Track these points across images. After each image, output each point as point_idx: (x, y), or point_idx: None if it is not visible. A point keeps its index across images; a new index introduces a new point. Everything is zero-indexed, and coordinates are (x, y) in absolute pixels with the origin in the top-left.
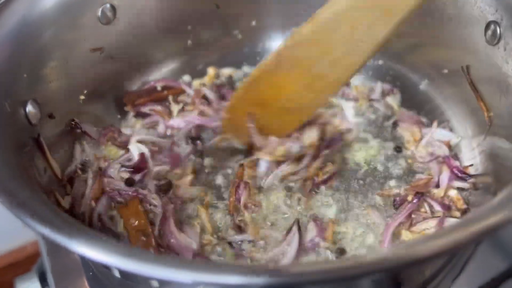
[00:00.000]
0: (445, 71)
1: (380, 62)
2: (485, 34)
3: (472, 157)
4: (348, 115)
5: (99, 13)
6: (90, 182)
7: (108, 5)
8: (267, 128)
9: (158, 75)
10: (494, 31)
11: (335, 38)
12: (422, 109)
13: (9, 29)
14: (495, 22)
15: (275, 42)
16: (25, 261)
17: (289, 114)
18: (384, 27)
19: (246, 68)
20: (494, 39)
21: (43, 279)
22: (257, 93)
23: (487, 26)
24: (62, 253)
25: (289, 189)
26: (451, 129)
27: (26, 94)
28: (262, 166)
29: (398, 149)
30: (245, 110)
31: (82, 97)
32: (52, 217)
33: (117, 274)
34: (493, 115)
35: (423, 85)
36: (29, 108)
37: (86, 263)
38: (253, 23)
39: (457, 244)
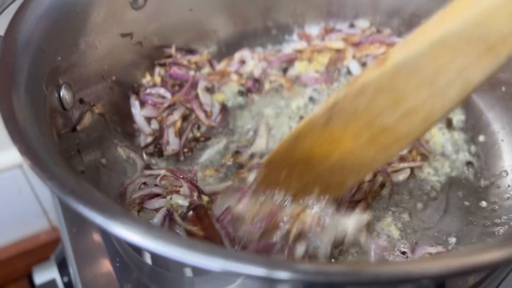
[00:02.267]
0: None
1: None
2: None
3: None
4: None
5: None
6: None
7: None
8: (311, 187)
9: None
10: None
11: (411, 85)
12: None
13: (46, 9)
14: None
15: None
16: (39, 249)
17: (342, 172)
18: (482, 69)
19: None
20: None
21: (62, 267)
22: (303, 149)
23: None
24: (85, 240)
25: None
26: None
27: (61, 77)
28: None
29: None
30: (286, 167)
31: (111, 84)
32: (100, 203)
33: (149, 261)
34: None
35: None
36: (63, 92)
37: (114, 250)
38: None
39: None
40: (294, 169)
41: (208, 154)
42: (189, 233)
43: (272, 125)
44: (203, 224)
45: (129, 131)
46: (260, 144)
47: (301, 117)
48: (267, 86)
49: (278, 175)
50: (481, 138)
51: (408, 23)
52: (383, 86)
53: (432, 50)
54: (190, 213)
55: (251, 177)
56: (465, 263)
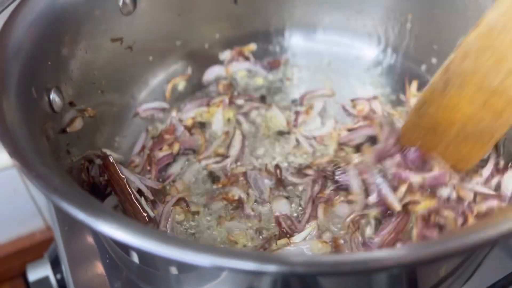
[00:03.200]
0: None
1: None
2: None
3: None
4: None
5: (120, 4)
6: None
7: None
8: (445, 158)
9: (179, 67)
10: None
11: (508, 40)
12: None
13: (36, 16)
14: None
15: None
16: (34, 248)
17: (467, 140)
18: None
19: None
20: None
21: (55, 265)
22: (429, 117)
23: None
24: (77, 238)
25: None
26: None
27: (50, 81)
28: None
29: None
30: (419, 137)
31: (101, 87)
32: (83, 200)
33: (136, 260)
34: None
35: None
36: (53, 95)
37: (103, 249)
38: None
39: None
40: (425, 138)
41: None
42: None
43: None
44: (110, 172)
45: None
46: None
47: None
48: None
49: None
50: None
51: None
52: (482, 45)
53: None
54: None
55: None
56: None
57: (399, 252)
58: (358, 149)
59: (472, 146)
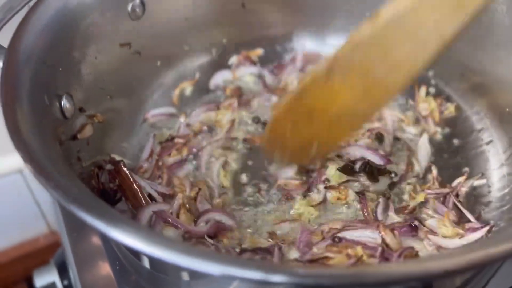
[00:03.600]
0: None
1: None
2: None
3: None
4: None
5: (129, 9)
6: None
7: (137, 1)
8: (312, 141)
9: (187, 72)
10: None
11: (397, 39)
12: None
13: (47, 22)
14: None
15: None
16: (38, 253)
17: (340, 123)
18: (453, 23)
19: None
20: None
21: (62, 271)
22: (306, 103)
23: None
24: (85, 243)
25: None
26: None
27: (62, 87)
28: None
29: None
30: (291, 121)
31: (110, 92)
32: (102, 210)
33: (147, 265)
34: None
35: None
36: (64, 102)
37: (113, 254)
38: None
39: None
40: (298, 124)
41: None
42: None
43: None
44: (121, 177)
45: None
46: None
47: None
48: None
49: (282, 131)
50: None
51: None
52: (375, 40)
53: (414, 7)
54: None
55: None
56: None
57: (411, 266)
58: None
59: (343, 128)
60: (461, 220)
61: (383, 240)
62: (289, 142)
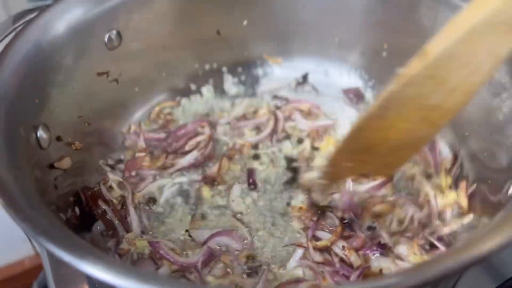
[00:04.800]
0: None
1: None
2: None
3: None
4: None
5: (106, 39)
6: None
7: (114, 32)
8: (374, 172)
9: (160, 100)
10: None
11: (451, 69)
12: None
13: (24, 56)
14: None
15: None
16: (23, 276)
17: (398, 152)
18: (507, 44)
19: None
20: None
21: None
22: (362, 141)
23: None
24: (65, 267)
25: None
26: None
27: (38, 119)
28: None
29: None
30: (348, 160)
31: (88, 120)
32: (70, 242)
33: None
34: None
35: None
36: (40, 132)
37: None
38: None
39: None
40: (357, 159)
41: None
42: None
43: None
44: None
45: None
46: None
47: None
48: None
49: (340, 169)
50: None
51: None
52: (427, 75)
53: (465, 39)
54: None
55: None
56: None
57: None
58: None
59: (404, 153)
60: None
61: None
62: (348, 173)
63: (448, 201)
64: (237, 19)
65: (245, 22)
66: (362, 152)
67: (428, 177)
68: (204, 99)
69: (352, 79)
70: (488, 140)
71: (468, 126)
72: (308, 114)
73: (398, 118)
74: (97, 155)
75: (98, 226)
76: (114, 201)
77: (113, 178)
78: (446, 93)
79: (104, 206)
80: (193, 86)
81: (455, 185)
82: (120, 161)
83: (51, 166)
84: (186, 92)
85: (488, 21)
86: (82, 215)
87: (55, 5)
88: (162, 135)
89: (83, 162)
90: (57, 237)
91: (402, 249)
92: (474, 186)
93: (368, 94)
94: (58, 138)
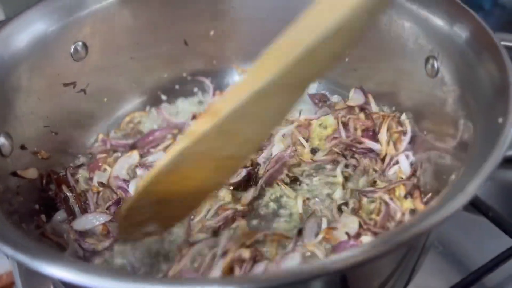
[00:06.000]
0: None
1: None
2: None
3: None
4: None
5: (72, 50)
6: None
7: (80, 43)
8: (173, 218)
9: (129, 109)
10: (433, 65)
11: (244, 123)
12: None
13: None
14: (433, 57)
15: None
16: None
17: (191, 200)
18: (292, 100)
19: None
20: (433, 72)
21: None
22: (152, 196)
23: (427, 60)
24: (36, 282)
25: None
26: None
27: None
28: None
29: None
30: (143, 214)
31: (54, 129)
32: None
33: None
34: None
35: None
36: (1, 140)
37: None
38: (214, 62)
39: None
40: (156, 210)
41: None
42: None
43: None
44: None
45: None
46: None
47: None
48: None
49: (138, 223)
50: None
51: None
52: (219, 131)
53: (253, 99)
54: None
55: None
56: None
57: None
58: None
59: (193, 202)
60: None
61: None
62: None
63: (403, 208)
64: (204, 30)
65: (212, 32)
66: (153, 205)
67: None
68: (175, 107)
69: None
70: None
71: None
72: None
73: (192, 170)
74: (64, 164)
75: (59, 216)
76: (78, 189)
77: (82, 173)
78: (239, 145)
79: (67, 193)
80: (163, 96)
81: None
82: (83, 165)
83: (14, 174)
84: (155, 102)
85: (274, 83)
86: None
87: (17, 18)
88: (130, 141)
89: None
90: (9, 237)
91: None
92: (429, 195)
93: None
94: (23, 147)
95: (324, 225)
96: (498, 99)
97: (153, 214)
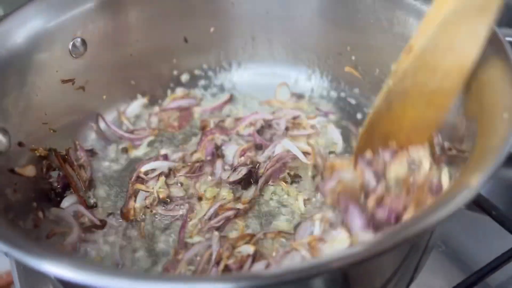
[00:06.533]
0: None
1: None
2: None
3: None
4: None
5: (70, 47)
6: None
7: (79, 39)
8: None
9: (128, 107)
10: None
11: (437, 56)
12: None
13: None
14: None
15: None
16: None
17: (416, 134)
18: (484, 24)
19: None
20: None
21: None
22: (379, 132)
23: None
24: (35, 281)
25: None
26: None
27: None
28: None
29: None
30: (372, 147)
31: (52, 126)
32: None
33: None
34: None
35: None
36: None
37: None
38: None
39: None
40: (379, 146)
41: None
42: None
43: None
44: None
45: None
46: None
47: None
48: None
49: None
50: None
51: None
52: (418, 66)
53: (442, 29)
54: None
55: None
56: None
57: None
58: None
59: (420, 137)
60: None
61: None
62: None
63: None
64: (204, 26)
65: (212, 29)
66: (382, 139)
67: None
68: None
69: (316, 82)
70: None
71: None
72: None
73: (404, 108)
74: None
75: (66, 202)
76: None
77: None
78: (441, 78)
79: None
80: (162, 93)
81: None
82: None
83: (12, 170)
84: (154, 99)
85: (456, 11)
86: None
87: (15, 14)
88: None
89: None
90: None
91: None
92: None
93: (333, 94)
94: (20, 144)
95: (317, 229)
96: (503, 95)
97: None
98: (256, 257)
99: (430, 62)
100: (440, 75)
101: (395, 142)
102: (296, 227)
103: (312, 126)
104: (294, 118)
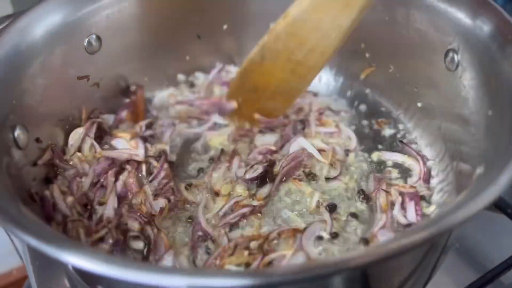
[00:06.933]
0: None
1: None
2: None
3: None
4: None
5: (85, 43)
6: None
7: (94, 36)
8: (262, 110)
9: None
10: (452, 58)
11: (306, 30)
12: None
13: (1, 58)
14: (453, 50)
15: None
16: (11, 286)
17: (280, 96)
18: (346, 18)
19: None
20: (453, 66)
21: None
22: (250, 81)
23: (446, 54)
24: (50, 276)
25: None
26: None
27: (15, 119)
28: None
29: None
30: (242, 96)
31: (68, 123)
32: (43, 232)
33: None
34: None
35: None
36: (18, 132)
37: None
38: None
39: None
40: (247, 96)
41: None
42: None
43: None
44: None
45: None
46: None
47: None
48: None
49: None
50: None
51: None
52: (290, 31)
53: (312, 8)
54: None
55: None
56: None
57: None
58: None
59: (283, 100)
60: None
61: None
62: (243, 110)
63: None
64: (217, 23)
65: (225, 26)
66: (252, 91)
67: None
68: None
69: (329, 79)
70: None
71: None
72: None
73: (274, 66)
74: None
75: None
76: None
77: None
78: (306, 52)
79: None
80: (175, 91)
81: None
82: None
83: (34, 164)
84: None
85: None
86: None
87: (33, 10)
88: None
89: None
90: (26, 224)
91: None
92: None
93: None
94: (37, 140)
95: (324, 233)
96: None
97: (249, 102)
98: (269, 255)
99: (299, 33)
100: (306, 50)
101: (261, 99)
102: (308, 226)
103: (337, 126)
104: (320, 114)
